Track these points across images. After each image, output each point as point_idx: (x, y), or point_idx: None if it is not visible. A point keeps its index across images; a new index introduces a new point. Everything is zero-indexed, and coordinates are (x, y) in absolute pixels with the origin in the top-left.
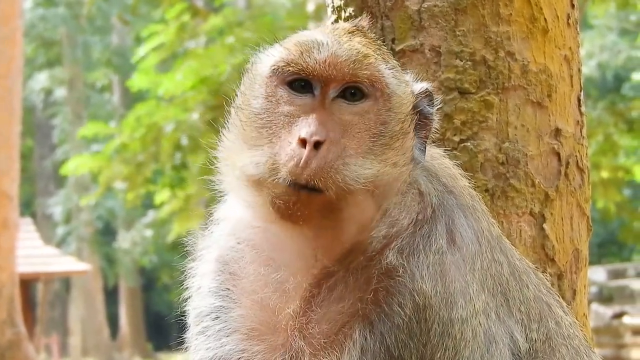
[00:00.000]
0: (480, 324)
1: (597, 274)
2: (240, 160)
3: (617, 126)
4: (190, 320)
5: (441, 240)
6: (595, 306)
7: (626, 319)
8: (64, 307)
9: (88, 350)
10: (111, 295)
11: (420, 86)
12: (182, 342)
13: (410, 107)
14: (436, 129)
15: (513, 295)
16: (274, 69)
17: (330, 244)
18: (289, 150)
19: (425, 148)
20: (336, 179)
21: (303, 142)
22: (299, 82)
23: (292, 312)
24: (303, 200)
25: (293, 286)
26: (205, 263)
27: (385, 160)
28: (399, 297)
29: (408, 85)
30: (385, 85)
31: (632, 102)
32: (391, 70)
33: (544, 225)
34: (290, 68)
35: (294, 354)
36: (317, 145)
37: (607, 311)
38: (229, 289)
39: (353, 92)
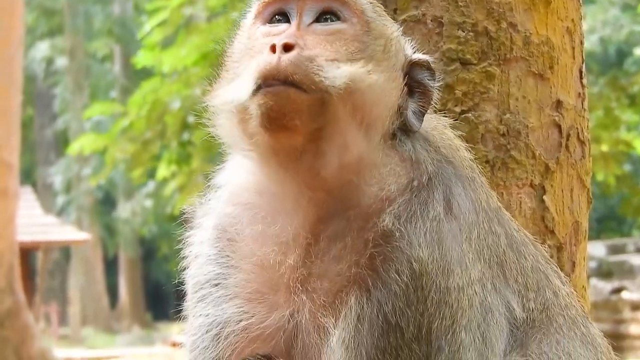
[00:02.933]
0: (476, 293)
1: (597, 249)
2: (226, 90)
3: (618, 101)
4: (189, 288)
5: (438, 208)
6: (594, 281)
7: (625, 294)
8: (63, 276)
9: (87, 319)
10: (111, 265)
11: (420, 56)
12: (181, 312)
13: (398, 49)
14: (435, 102)
15: (510, 267)
16: (256, 13)
17: (316, 172)
18: (261, 61)
19: (423, 117)
20: (313, 76)
21: (274, 49)
22: (277, 16)
23: (292, 263)
24: (285, 97)
25: (291, 236)
26: (203, 231)
27: (363, 67)
28: (396, 264)
29: (389, 26)
30: (362, 11)
31: (634, 77)
32: (370, 4)
33: (544, 197)
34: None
35: (295, 310)
36: (288, 48)
37: (606, 286)
38: (228, 256)
39: (328, 17)
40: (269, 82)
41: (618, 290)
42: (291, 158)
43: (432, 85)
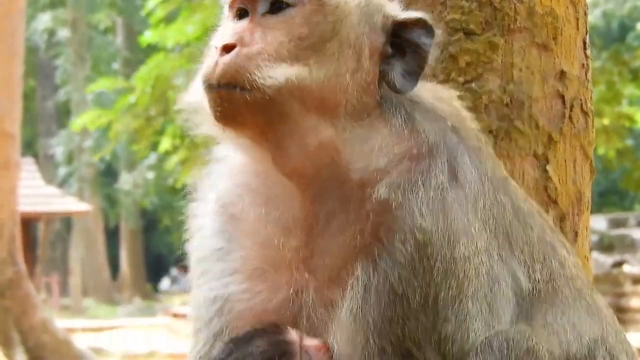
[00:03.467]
0: (483, 263)
1: (598, 222)
2: (191, 89)
3: (621, 75)
4: (192, 260)
5: (442, 176)
6: (595, 255)
7: (626, 268)
8: (64, 247)
9: (88, 290)
10: (112, 236)
11: (410, 14)
12: (181, 284)
13: (363, 19)
14: (432, 61)
15: (516, 237)
16: (228, 10)
17: (285, 161)
18: (205, 64)
19: (416, 79)
20: (247, 75)
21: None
22: (242, 12)
23: (295, 245)
24: (225, 98)
25: (292, 220)
26: (206, 203)
27: (307, 64)
28: (399, 234)
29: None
30: None
31: (637, 52)
32: None
33: (547, 168)
34: None
35: (299, 289)
36: (228, 49)
37: (607, 260)
38: (229, 230)
39: (281, 6)
40: (208, 85)
41: (619, 264)
42: (259, 148)
43: (425, 42)
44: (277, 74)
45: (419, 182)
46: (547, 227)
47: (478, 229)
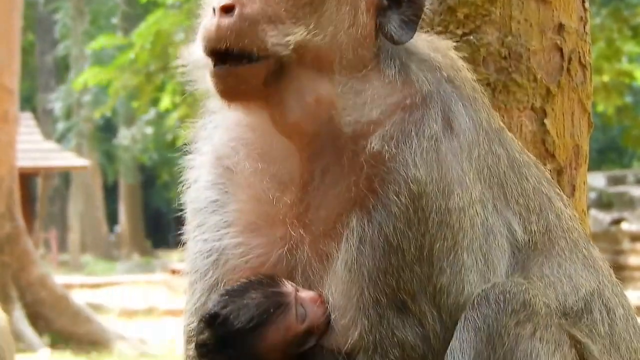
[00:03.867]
0: (477, 214)
1: (597, 179)
2: (193, 48)
3: (621, 32)
4: (188, 212)
5: (435, 126)
6: (594, 212)
7: (624, 225)
8: (63, 202)
9: (86, 246)
10: (110, 192)
11: None
12: (180, 240)
13: None
14: (428, 9)
15: (511, 188)
16: None
17: (285, 119)
18: (203, 27)
19: (413, 28)
20: (260, 42)
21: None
22: None
23: (289, 201)
24: (233, 77)
25: (288, 175)
26: (202, 155)
27: (308, 24)
28: (393, 185)
29: None
30: None
31: (637, 9)
32: None
33: (545, 121)
34: None
35: (293, 244)
36: (228, 10)
37: (605, 217)
38: (224, 183)
39: None
40: (211, 49)
41: (617, 222)
42: (260, 111)
43: None
44: (283, 38)
45: (413, 133)
46: (543, 179)
47: (472, 179)
